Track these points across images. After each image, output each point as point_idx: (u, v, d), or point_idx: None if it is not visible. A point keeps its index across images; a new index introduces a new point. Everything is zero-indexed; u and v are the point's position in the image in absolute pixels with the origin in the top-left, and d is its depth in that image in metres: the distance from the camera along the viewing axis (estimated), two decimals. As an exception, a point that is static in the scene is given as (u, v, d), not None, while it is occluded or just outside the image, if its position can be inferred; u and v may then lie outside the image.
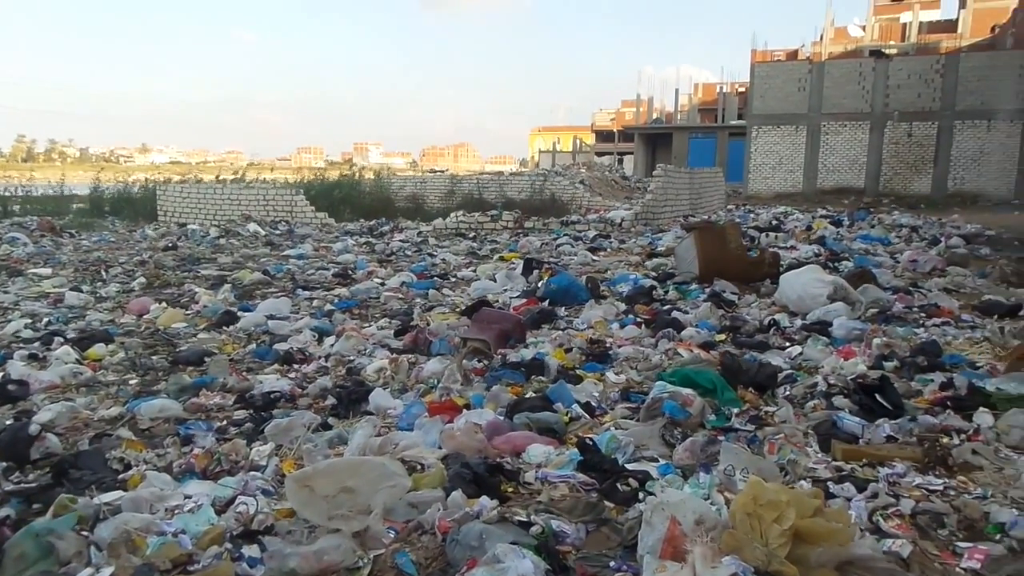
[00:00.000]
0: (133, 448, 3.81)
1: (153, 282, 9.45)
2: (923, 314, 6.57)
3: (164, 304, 7.89)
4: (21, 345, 6.09)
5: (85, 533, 2.76)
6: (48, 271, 10.15)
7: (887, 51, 35.36)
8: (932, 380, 4.50)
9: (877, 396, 4.10)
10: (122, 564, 2.51)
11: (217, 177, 22.44)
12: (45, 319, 7.15)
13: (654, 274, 9.21)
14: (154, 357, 5.85)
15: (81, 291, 8.61)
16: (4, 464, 3.54)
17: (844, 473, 3.27)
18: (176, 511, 2.96)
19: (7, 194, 20.31)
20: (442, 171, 48.12)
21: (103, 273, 10.12)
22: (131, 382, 5.23)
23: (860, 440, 3.65)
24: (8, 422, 4.07)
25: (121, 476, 3.46)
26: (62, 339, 6.18)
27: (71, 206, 20.64)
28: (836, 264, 9.47)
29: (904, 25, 41.08)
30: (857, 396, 4.16)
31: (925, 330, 6.00)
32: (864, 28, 42.16)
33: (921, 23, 40.34)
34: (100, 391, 5.01)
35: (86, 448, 3.85)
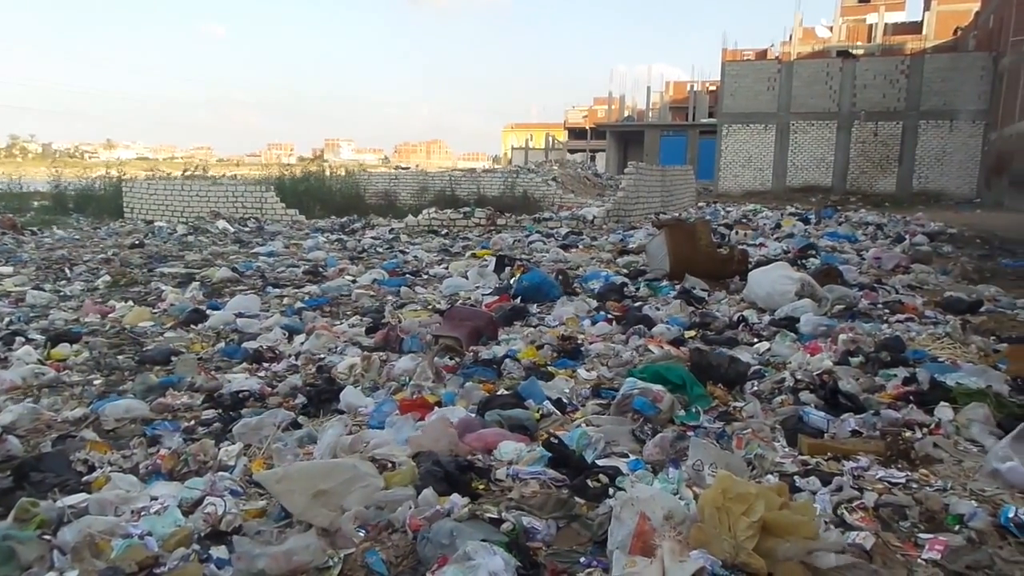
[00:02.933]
0: (98, 449, 3.74)
1: (119, 280, 9.28)
2: (887, 310, 6.70)
3: (130, 302, 7.76)
4: (-19, 345, 5.94)
5: (48, 537, 2.71)
6: (9, 269, 9.93)
7: (854, 52, 35.97)
8: (895, 375, 4.60)
9: (840, 392, 4.18)
10: (86, 568, 2.47)
11: (184, 173, 22.11)
12: (6, 318, 6.98)
13: (625, 271, 9.27)
14: (120, 357, 5.74)
15: (43, 290, 8.43)
16: (-37, 467, 3.45)
17: (810, 467, 3.33)
18: (142, 513, 2.91)
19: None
20: (407, 168, 47.93)
21: (67, 271, 9.91)
22: (96, 382, 5.13)
23: (826, 434, 3.71)
24: (-33, 424, 3.97)
25: (85, 478, 3.40)
26: (24, 339, 6.05)
27: (32, 203, 20.19)
28: (804, 261, 9.61)
29: (870, 26, 41.79)
30: (823, 391, 4.24)
31: (889, 326, 6.12)
32: (831, 29, 42.79)
33: (887, 24, 41.07)
34: (64, 392, 4.91)
35: (49, 450, 3.77)
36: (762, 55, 42.80)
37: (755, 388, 4.50)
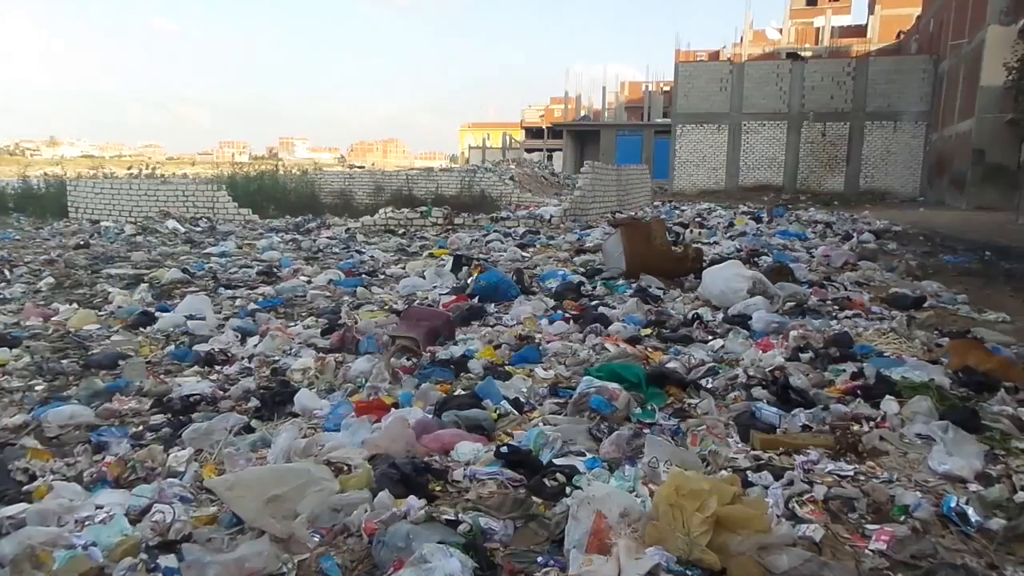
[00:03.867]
0: (39, 457, 3.61)
1: (63, 282, 8.98)
2: (836, 307, 6.87)
3: (75, 305, 7.52)
4: (-86, 351, 5.69)
5: (-15, 550, 2.60)
6: (-56, 271, 9.53)
7: (802, 54, 36.83)
8: (844, 370, 4.72)
9: (792, 388, 4.27)
10: (26, 581, 2.38)
11: (129, 170, 21.53)
12: (-59, 322, 6.70)
13: (582, 270, 9.33)
14: (64, 361, 5.55)
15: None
16: None
17: (762, 462, 3.39)
18: (86, 523, 2.82)
19: None
20: (362, 167, 47.50)
21: (7, 273, 9.56)
22: (38, 388, 4.95)
23: (778, 430, 3.78)
24: (-102, 434, 3.79)
25: (26, 488, 3.28)
26: (-39, 344, 5.81)
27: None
28: (756, 260, 9.80)
29: (818, 29, 42.85)
30: (775, 387, 4.32)
31: (838, 322, 6.27)
32: (781, 31, 43.75)
33: (833, 27, 42.16)
34: (3, 398, 4.73)
35: (-13, 459, 3.62)
36: (715, 56, 43.56)
37: (709, 385, 4.57)
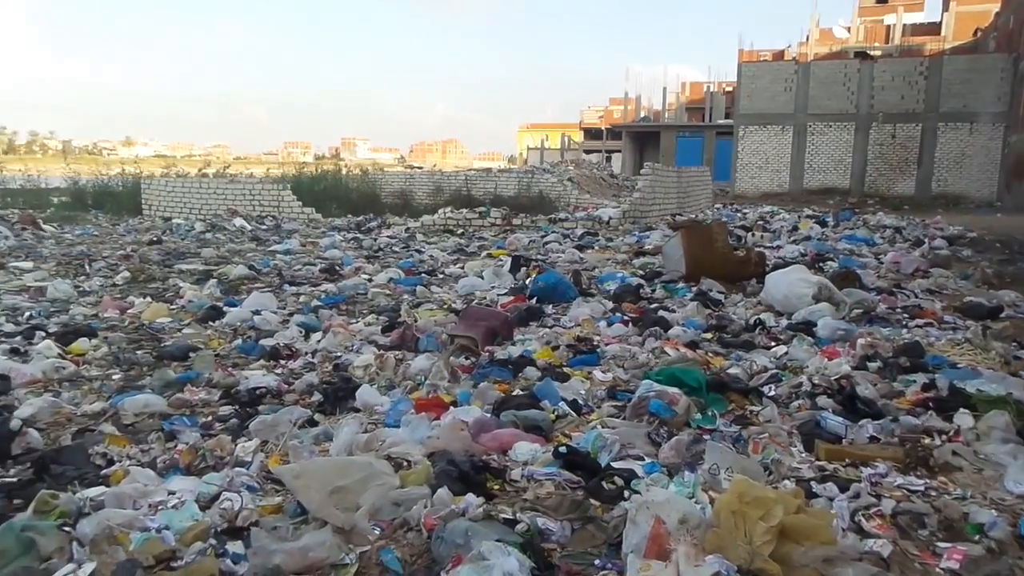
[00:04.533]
0: (116, 443, 3.78)
1: (138, 276, 9.38)
2: (906, 315, 6.64)
3: (149, 299, 7.84)
4: (2, 339, 6.02)
5: (67, 529, 2.74)
6: (29, 265, 10.05)
7: (872, 53, 35.68)
8: (914, 381, 4.55)
9: (858, 397, 4.14)
10: (104, 560, 2.50)
11: (200, 171, 22.28)
12: (26, 313, 7.07)
13: (641, 272, 9.25)
14: (138, 352, 5.80)
15: (63, 285, 8.52)
16: (-16, 459, 3.50)
17: (827, 473, 3.30)
18: (160, 507, 2.94)
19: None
20: (420, 167, 48.06)
21: (86, 267, 10.02)
22: (115, 377, 5.18)
23: (843, 440, 3.68)
24: (-11, 417, 4.02)
25: (104, 472, 3.44)
26: (44, 333, 6.12)
27: (52, 199, 20.42)
28: (821, 265, 9.55)
29: (888, 27, 41.46)
30: (840, 396, 4.21)
31: (908, 331, 6.06)
32: (849, 29, 42.48)
33: (905, 25, 40.73)
34: (83, 386, 4.97)
35: (68, 443, 3.81)
36: (779, 56, 42.58)
37: (772, 392, 4.47)
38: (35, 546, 2.59)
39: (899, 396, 4.36)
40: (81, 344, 5.82)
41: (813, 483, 3.17)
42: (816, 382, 4.52)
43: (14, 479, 3.37)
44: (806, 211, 20.80)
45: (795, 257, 10.38)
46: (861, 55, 34.78)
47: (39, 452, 3.62)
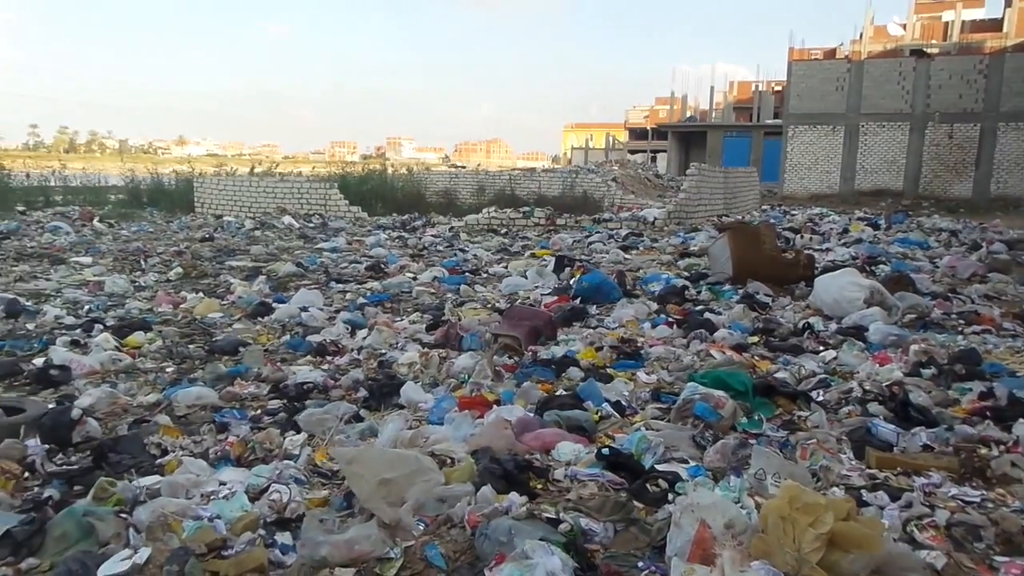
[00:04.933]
0: (170, 434, 3.90)
1: (190, 272, 9.63)
2: (962, 321, 6.43)
3: (201, 294, 8.05)
4: (63, 331, 6.25)
5: (124, 515, 2.84)
6: (88, 260, 10.40)
7: (928, 50, 34.62)
8: (971, 389, 4.41)
9: (911, 405, 4.04)
10: (159, 547, 2.58)
11: (252, 170, 22.75)
12: (86, 306, 7.32)
13: (687, 274, 9.15)
14: (191, 346, 5.96)
15: (120, 280, 8.79)
16: (47, 446, 3.64)
17: (878, 481, 3.23)
18: (211, 497, 3.02)
19: (49, 184, 20.80)
20: (463, 167, 48.29)
21: (142, 263, 10.33)
22: (168, 370, 5.34)
23: (895, 448, 3.59)
24: (51, 406, 4.18)
25: (159, 461, 3.54)
26: (102, 326, 6.33)
27: (109, 196, 21.09)
28: (873, 268, 9.31)
29: (946, 24, 40.14)
30: (892, 403, 4.10)
31: (964, 337, 5.88)
32: (905, 27, 41.29)
33: (964, 22, 39.38)
34: (139, 378, 5.13)
35: (125, 433, 3.94)
36: (831, 54, 41.60)
37: (821, 398, 4.38)
38: (94, 531, 2.69)
39: (954, 404, 4.23)
40: (137, 337, 6.01)
41: (863, 491, 3.10)
42: (867, 388, 4.42)
43: (75, 466, 3.50)
44: (857, 213, 20.32)
45: (845, 260, 10.15)
46: (917, 53, 33.77)
47: (98, 441, 3.76)
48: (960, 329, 6.19)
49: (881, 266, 9.55)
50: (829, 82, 30.34)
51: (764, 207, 22.90)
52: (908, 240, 12.96)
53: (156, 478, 3.24)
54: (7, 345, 5.75)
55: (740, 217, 18.12)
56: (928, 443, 3.63)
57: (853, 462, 3.46)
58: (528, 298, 7.98)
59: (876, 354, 5.28)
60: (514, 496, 2.94)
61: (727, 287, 8.00)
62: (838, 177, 30.44)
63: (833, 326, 6.26)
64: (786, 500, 2.38)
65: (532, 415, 4.01)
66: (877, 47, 38.56)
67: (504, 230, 14.87)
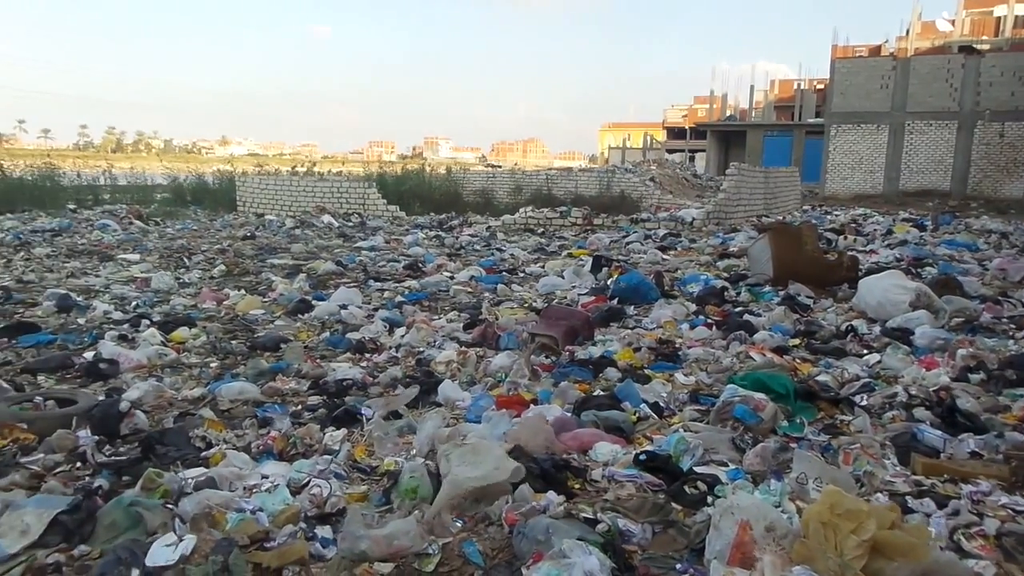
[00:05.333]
0: (214, 428, 3.98)
1: (233, 270, 9.81)
2: (1013, 325, 6.24)
3: (243, 291, 8.20)
4: (111, 326, 6.42)
5: (170, 506, 2.91)
6: (136, 257, 10.67)
7: (978, 47, 33.63)
8: (1022, 396, 4.28)
9: (959, 410, 3.94)
10: (204, 537, 2.63)
11: (292, 169, 23.11)
12: (133, 302, 7.51)
13: (726, 275, 9.04)
14: (233, 342, 6.08)
15: (166, 277, 9.01)
16: (97, 438, 3.75)
17: (924, 488, 3.15)
18: (254, 490, 3.08)
19: (98, 183, 21.39)
20: (499, 166, 48.36)
21: (186, 260, 10.56)
22: (212, 365, 5.46)
23: (942, 455, 3.50)
24: (100, 398, 4.30)
25: (203, 453, 3.62)
26: (149, 321, 6.49)
27: (155, 195, 21.61)
28: (919, 270, 9.09)
29: (998, 19, 38.95)
30: (939, 409, 4.00)
31: (1015, 342, 5.70)
32: (953, 23, 40.18)
33: (1017, 17, 38.14)
34: (184, 372, 5.25)
35: (171, 426, 4.03)
36: (875, 51, 40.67)
37: (864, 402, 4.30)
38: (142, 521, 2.76)
39: (1004, 411, 4.11)
40: (182, 333, 6.15)
41: (908, 498, 3.03)
42: (912, 393, 4.32)
43: (123, 457, 3.60)
44: (902, 214, 19.85)
45: (890, 262, 9.93)
46: (966, 49, 32.84)
47: (145, 433, 3.86)
48: (1011, 334, 6.01)
49: (927, 268, 9.32)
50: (874, 80, 29.69)
51: (805, 207, 22.51)
52: (956, 242, 12.61)
53: (201, 470, 3.32)
54: (59, 339, 5.93)
55: (780, 218, 17.83)
56: (976, 450, 3.53)
57: (898, 468, 3.39)
58: (565, 298, 7.96)
59: (922, 358, 5.15)
60: (551, 495, 2.94)
61: (767, 288, 7.89)
62: (882, 177, 29.77)
63: (877, 329, 6.13)
64: (828, 505, 2.34)
65: (569, 415, 4.01)
66: (924, 44, 37.58)
67: (541, 230, 14.86)
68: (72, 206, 17.49)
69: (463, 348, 5.71)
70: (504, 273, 9.64)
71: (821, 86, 41.28)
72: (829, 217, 18.86)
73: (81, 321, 6.67)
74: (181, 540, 2.61)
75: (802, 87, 45.43)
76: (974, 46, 33.96)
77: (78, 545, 2.68)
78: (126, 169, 24.55)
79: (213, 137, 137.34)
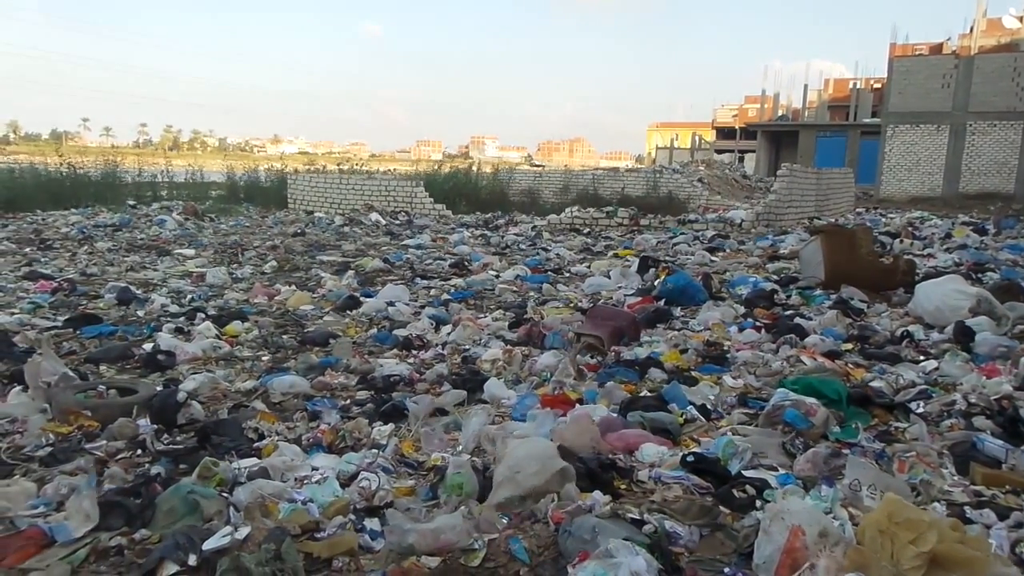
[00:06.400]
0: (266, 419, 4.07)
1: (283, 266, 10.02)
2: (1081, 334, 5.99)
3: (293, 287, 8.37)
4: (168, 319, 6.62)
5: (225, 495, 2.99)
6: (191, 252, 10.98)
7: (1048, 45, 32.33)
8: (1089, 406, 4.11)
9: (1022, 420, 3.80)
10: (257, 526, 2.70)
11: (339, 167, 23.46)
12: (189, 296, 7.73)
13: (775, 277, 8.88)
14: (284, 336, 6.21)
15: (220, 272, 9.24)
16: (155, 426, 3.88)
17: (984, 499, 3.06)
18: (305, 481, 3.15)
19: (156, 180, 22.05)
20: (542, 165, 48.32)
21: (239, 256, 10.82)
22: (264, 358, 5.58)
23: (1003, 465, 3.39)
24: (159, 388, 4.44)
25: (256, 445, 3.71)
26: (204, 315, 6.68)
27: (210, 192, 22.18)
28: (980, 275, 8.79)
29: (1070, 16, 37.36)
30: (1001, 418, 3.87)
31: (1083, 351, 5.47)
32: (1022, 19, 38.68)
33: (1090, 13, 36.53)
34: (237, 365, 5.38)
35: (225, 417, 4.15)
36: (936, 49, 39.39)
37: (920, 409, 4.18)
38: (199, 508, 2.84)
39: (1071, 422, 3.95)
40: (235, 327, 6.31)
41: (967, 508, 2.94)
42: (972, 401, 4.18)
43: (180, 446, 3.71)
44: (962, 217, 19.19)
45: (948, 266, 9.62)
46: (1034, 47, 31.59)
47: (201, 423, 3.97)
48: (1078, 342, 5.76)
49: (989, 273, 9.00)
50: (934, 79, 28.79)
51: (859, 210, 21.94)
52: (1019, 246, 12.14)
53: (254, 461, 3.41)
54: (120, 330, 6.14)
55: (833, 220, 17.41)
56: (1041, 461, 3.40)
57: (956, 477, 3.29)
58: (611, 298, 7.92)
59: (982, 366, 4.98)
60: (598, 495, 2.94)
61: (819, 292, 7.73)
62: (941, 179, 28.85)
63: (935, 335, 5.95)
64: (886, 514, 2.28)
65: (616, 415, 3.99)
66: (990, 41, 36.23)
67: (587, 230, 14.81)
68: (132, 202, 18.07)
69: (509, 347, 5.73)
70: (549, 272, 9.64)
71: (878, 85, 40.18)
72: (884, 220, 18.35)
73: (140, 313, 6.90)
74: (236, 528, 2.69)
75: (858, 86, 44.28)
76: (1042, 43, 32.63)
77: (139, 529, 2.77)
78: (184, 166, 25.17)
79: (265, 136, 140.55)
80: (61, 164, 19.48)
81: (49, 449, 3.59)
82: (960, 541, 2.32)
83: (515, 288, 8.50)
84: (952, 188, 28.42)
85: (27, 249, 10.91)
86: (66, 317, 6.52)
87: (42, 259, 10.08)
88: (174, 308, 7.11)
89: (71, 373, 4.53)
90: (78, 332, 6.06)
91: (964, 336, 5.62)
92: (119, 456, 3.55)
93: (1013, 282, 7.69)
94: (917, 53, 34.79)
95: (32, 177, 18.70)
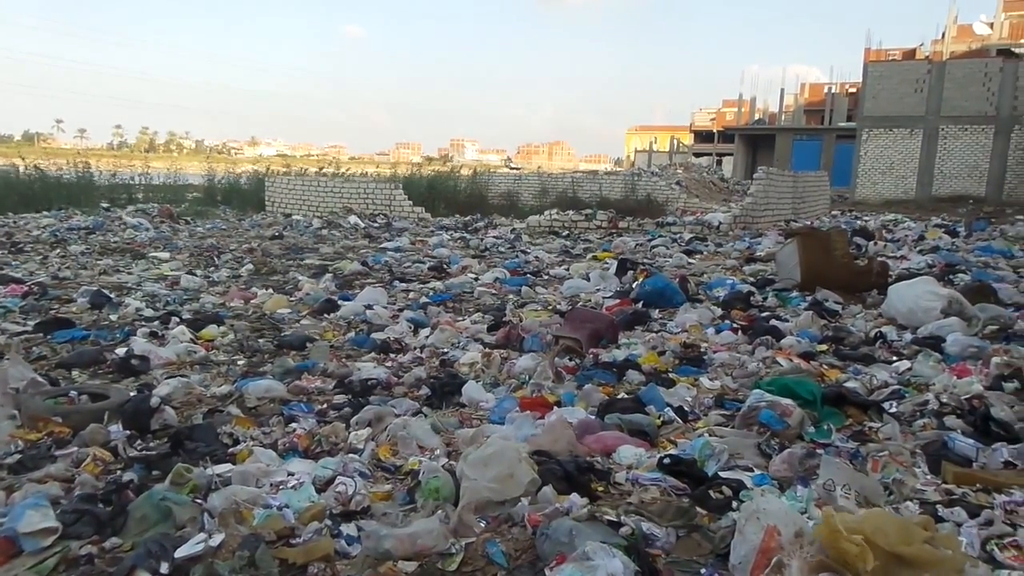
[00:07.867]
0: (242, 424, 4.03)
1: (261, 269, 9.93)
2: (1049, 334, 6.10)
3: (270, 290, 8.29)
4: (142, 323, 6.53)
5: (199, 501, 2.95)
6: (167, 255, 10.84)
7: (1017, 51, 32.98)
8: (1058, 405, 4.19)
9: (993, 419, 3.86)
10: (231, 532, 2.67)
11: (319, 170, 23.32)
12: (163, 300, 7.64)
13: (752, 279, 8.95)
14: (260, 340, 6.15)
15: (195, 275, 9.15)
16: (128, 432, 3.82)
17: (955, 497, 3.10)
18: (280, 487, 3.11)
19: (131, 182, 21.76)
20: (519, 168, 48.43)
21: (215, 259, 10.71)
22: (239, 362, 5.52)
23: (974, 464, 3.44)
24: (132, 394, 4.37)
25: (231, 450, 3.67)
26: (178, 319, 6.59)
27: (186, 195, 21.93)
28: (951, 277, 8.93)
29: (1038, 22, 38.13)
30: (972, 417, 3.93)
31: (1051, 351, 5.57)
32: (992, 25, 39.42)
33: (1058, 20, 37.34)
34: (212, 369, 5.32)
35: (200, 422, 4.09)
36: (910, 55, 40.07)
37: (893, 409, 4.23)
38: (172, 514, 2.80)
39: (1040, 421, 4.02)
40: (210, 331, 6.23)
41: (939, 506, 2.98)
42: (944, 400, 4.24)
43: (153, 452, 3.66)
44: (934, 220, 19.50)
45: (921, 268, 9.76)
46: (1005, 53, 32.21)
47: (174, 428, 3.92)
48: (1047, 343, 5.87)
49: (960, 275, 9.14)
50: (908, 83, 29.25)
51: (834, 212, 22.22)
52: (990, 248, 12.36)
53: (228, 466, 3.36)
54: (92, 335, 6.04)
55: (809, 222, 17.61)
56: (1011, 459, 3.45)
57: (928, 476, 3.33)
58: (590, 301, 7.94)
59: (954, 366, 5.06)
60: (575, 497, 2.93)
61: (794, 294, 7.81)
62: (914, 182, 29.30)
63: (907, 336, 6.03)
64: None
65: (593, 417, 4.00)
66: (961, 47, 36.94)
67: (566, 232, 14.85)
68: (105, 205, 17.82)
69: (487, 349, 5.72)
70: (529, 275, 9.64)
71: (853, 90, 40.75)
72: (859, 222, 18.59)
73: (113, 318, 6.80)
74: (210, 535, 2.65)
75: (833, 91, 44.86)
76: (1012, 50, 33.31)
77: (110, 537, 2.73)
78: (162, 169, 24.85)
79: (243, 138, 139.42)
80: (27, 167, 19.15)
81: (18, 456, 3.52)
82: (931, 540, 2.35)
83: (494, 291, 8.49)
84: (925, 191, 28.88)
85: (-3, 252, 10.71)
86: (37, 321, 6.41)
87: (12, 262, 9.90)
88: (148, 312, 7.01)
89: (40, 379, 4.45)
90: (49, 337, 5.95)
91: (933, 342, 5.70)
92: (87, 463, 3.48)
93: (984, 283, 7.82)
94: (891, 59, 35.37)
95: (2, 179, 18.38)
